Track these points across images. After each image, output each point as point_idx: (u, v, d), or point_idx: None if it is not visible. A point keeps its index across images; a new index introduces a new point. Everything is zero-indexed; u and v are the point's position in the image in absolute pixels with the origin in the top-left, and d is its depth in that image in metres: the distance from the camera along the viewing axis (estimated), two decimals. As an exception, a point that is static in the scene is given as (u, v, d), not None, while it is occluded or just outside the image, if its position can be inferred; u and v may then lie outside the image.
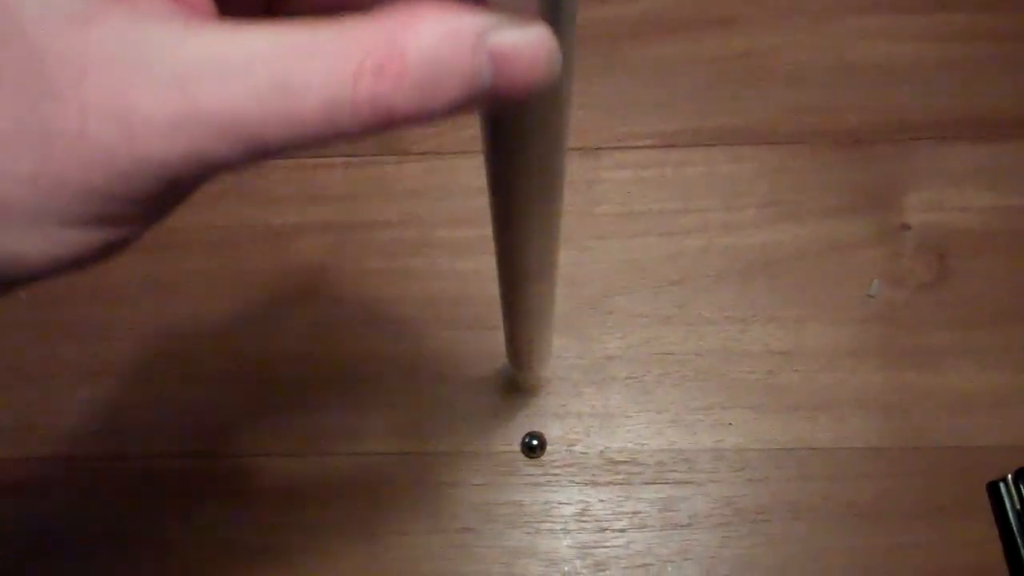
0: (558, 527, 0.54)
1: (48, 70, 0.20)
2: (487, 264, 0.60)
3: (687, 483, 0.54)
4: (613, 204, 0.62)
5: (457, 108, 0.21)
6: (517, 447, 0.55)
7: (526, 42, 0.21)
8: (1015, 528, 0.52)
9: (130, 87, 0.20)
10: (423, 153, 0.63)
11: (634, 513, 0.54)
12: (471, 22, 0.21)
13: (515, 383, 0.56)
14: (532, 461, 0.55)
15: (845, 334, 0.58)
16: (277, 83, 0.20)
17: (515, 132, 0.25)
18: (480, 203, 0.62)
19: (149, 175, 0.21)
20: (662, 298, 0.59)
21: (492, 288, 0.59)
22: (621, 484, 0.54)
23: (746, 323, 0.58)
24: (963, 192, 0.61)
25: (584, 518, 0.54)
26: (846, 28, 0.65)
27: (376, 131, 0.21)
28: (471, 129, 0.63)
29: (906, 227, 0.60)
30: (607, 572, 0.53)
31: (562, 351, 0.58)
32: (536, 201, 0.30)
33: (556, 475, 0.55)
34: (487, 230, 0.61)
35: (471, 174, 0.63)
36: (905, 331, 0.58)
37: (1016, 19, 0.64)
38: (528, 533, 0.54)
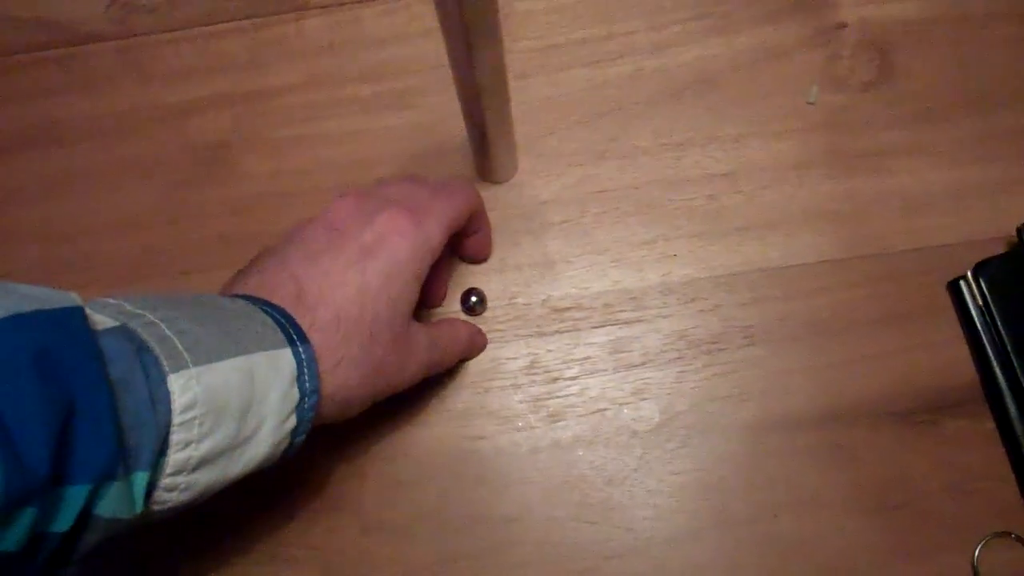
0: (508, 383, 0.51)
1: (402, 342, 0.44)
2: (405, 119, 0.57)
3: (636, 322, 0.52)
4: (531, 39, 0.58)
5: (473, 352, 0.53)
6: (458, 307, 0.53)
7: (483, 344, 0.53)
8: (978, 324, 0.50)
9: (414, 351, 0.45)
10: (324, 7, 0.59)
11: (584, 359, 0.51)
12: (472, 326, 0.52)
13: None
14: (474, 319, 0.53)
15: (788, 146, 0.55)
16: (442, 355, 0.49)
17: None
18: (388, 54, 0.58)
19: (410, 382, 0.46)
20: (594, 133, 0.56)
21: (409, 144, 0.56)
22: (569, 331, 0.52)
23: (683, 148, 0.55)
24: (900, -20, 0.57)
25: (534, 370, 0.51)
26: None
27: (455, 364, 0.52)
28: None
29: (843, 25, 0.57)
30: (563, 422, 0.50)
31: (493, 202, 0.55)
32: None
33: (500, 330, 0.52)
34: (399, 82, 0.58)
35: (376, 24, 0.58)
36: (850, 135, 0.55)
37: None
38: (477, 393, 0.51)
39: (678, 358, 0.51)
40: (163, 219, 0.55)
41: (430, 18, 0.58)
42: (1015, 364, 0.48)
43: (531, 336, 0.52)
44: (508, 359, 0.52)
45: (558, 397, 0.51)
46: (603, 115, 0.56)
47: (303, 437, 0.40)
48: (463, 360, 0.52)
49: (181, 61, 0.58)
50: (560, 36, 0.58)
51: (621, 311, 0.52)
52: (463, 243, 0.52)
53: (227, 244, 0.55)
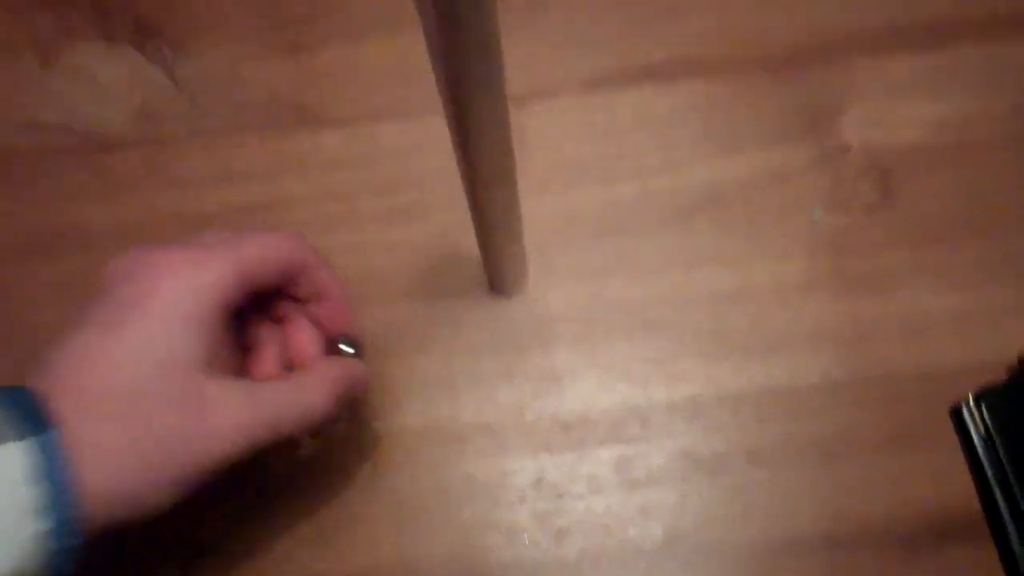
0: (514, 497, 0.52)
1: (187, 402, 0.38)
2: (416, 232, 0.58)
3: (642, 440, 0.53)
4: (545, 155, 0.59)
5: (343, 401, 0.45)
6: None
7: (361, 374, 0.47)
8: (980, 452, 0.50)
9: (217, 412, 0.39)
10: (341, 120, 0.60)
11: (591, 476, 0.52)
12: (345, 367, 0.45)
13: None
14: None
15: (793, 267, 0.56)
16: (277, 416, 0.41)
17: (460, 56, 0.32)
18: (404, 167, 0.60)
19: (229, 455, 0.39)
20: (603, 249, 0.57)
21: (421, 257, 0.57)
22: (575, 448, 0.53)
23: (691, 266, 0.56)
24: (902, 105, 0.59)
25: (540, 486, 0.52)
26: (769, -55, 0.62)
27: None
28: (386, 94, 0.61)
29: (847, 148, 0.58)
30: (569, 539, 0.51)
31: (503, 314, 0.56)
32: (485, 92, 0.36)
33: (507, 444, 0.53)
34: (411, 196, 0.59)
35: (391, 138, 0.60)
36: (854, 257, 0.56)
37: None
38: (484, 506, 0.52)
39: (682, 478, 0.52)
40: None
41: (442, 134, 0.59)
42: (1016, 492, 0.49)
43: (539, 450, 0.53)
44: (515, 472, 0.52)
45: (564, 513, 0.51)
46: (613, 232, 0.57)
47: (77, 541, 0.34)
48: (348, 399, 0.45)
49: (202, 168, 0.60)
50: (572, 152, 0.59)
51: (627, 428, 0.53)
52: (308, 311, 0.46)
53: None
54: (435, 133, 0.60)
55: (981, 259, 0.56)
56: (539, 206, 0.58)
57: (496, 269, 0.54)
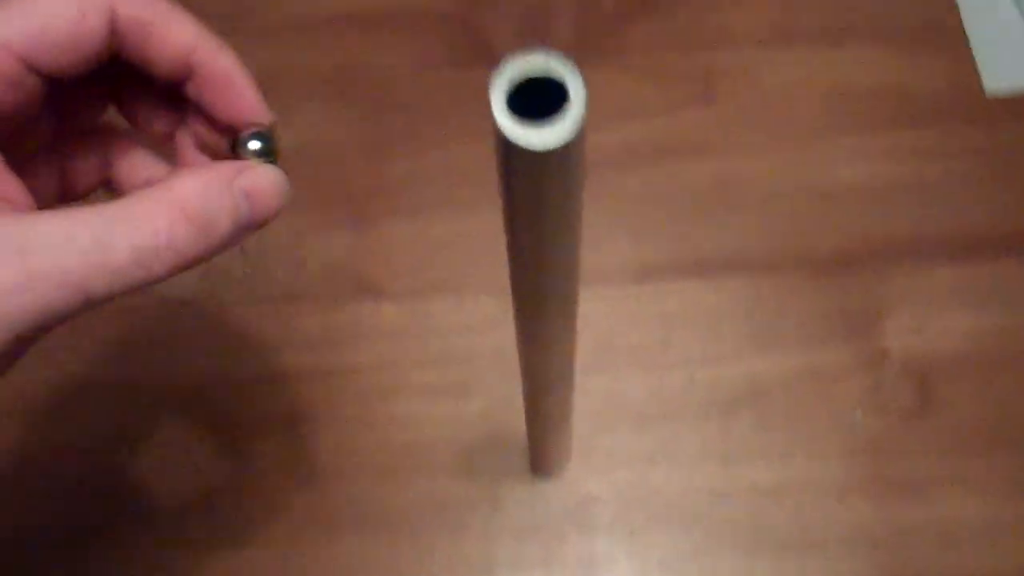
0: None
1: None
2: (464, 408, 0.59)
3: (677, 634, 0.53)
4: (593, 339, 0.61)
5: (231, 239, 0.30)
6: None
7: (265, 179, 0.31)
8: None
9: None
10: (398, 293, 0.63)
11: (624, 668, 0.52)
12: (224, 173, 0.30)
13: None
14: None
15: (831, 467, 0.57)
16: (97, 243, 0.26)
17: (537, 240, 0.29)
18: (456, 343, 0.61)
19: (4, 330, 0.26)
20: (646, 436, 0.58)
21: (467, 432, 0.59)
22: (610, 637, 0.53)
23: (731, 460, 0.57)
24: (943, 315, 0.61)
25: (573, 674, 0.52)
26: (818, 151, 0.64)
27: (180, 270, 0.29)
28: (448, 267, 0.63)
29: (886, 353, 0.60)
30: None
31: (544, 494, 0.57)
32: (556, 310, 0.35)
33: (543, 629, 0.54)
34: (462, 372, 0.61)
35: (446, 314, 0.62)
36: (891, 461, 0.57)
37: (987, 133, 0.65)
38: None
39: (717, 676, 0.52)
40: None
41: (494, 313, 0.61)
42: None
43: (573, 638, 0.53)
44: (549, 659, 0.53)
45: None
46: (656, 419, 0.59)
47: None
48: (254, 219, 0.31)
49: (260, 333, 0.62)
50: (620, 339, 0.61)
51: (662, 621, 0.53)
52: (189, 97, 0.33)
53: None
54: (487, 312, 0.62)
55: (1015, 471, 0.57)
56: (585, 389, 0.59)
57: (541, 452, 0.55)
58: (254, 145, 0.32)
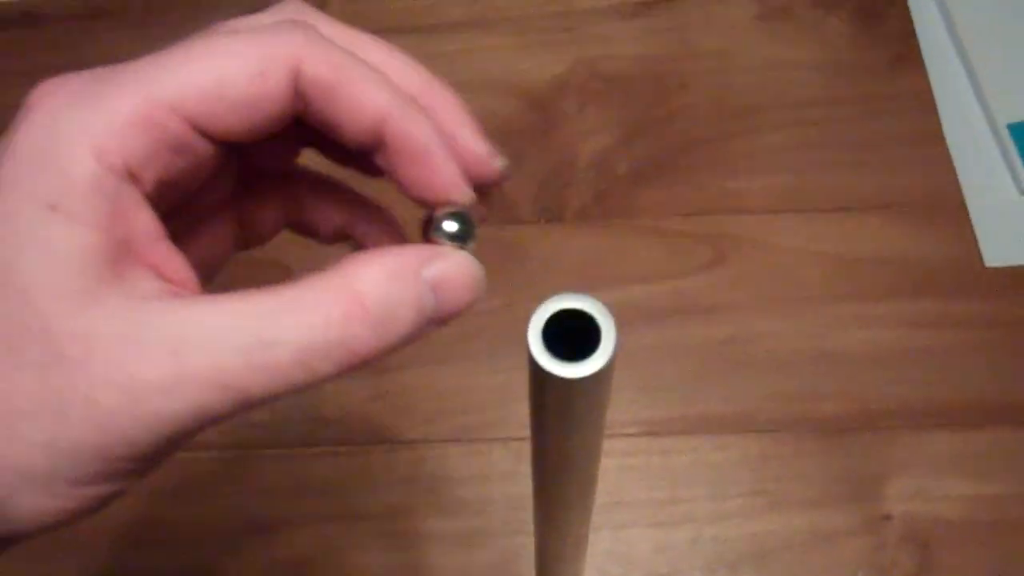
0: None
1: (59, 347, 0.23)
2: (475, 558, 0.61)
3: None
4: (601, 494, 0.62)
5: (411, 336, 0.25)
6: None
7: (456, 268, 0.26)
8: None
9: (130, 358, 0.23)
10: (412, 441, 0.64)
11: None
12: (409, 260, 0.25)
13: None
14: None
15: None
16: (257, 340, 0.23)
17: (561, 428, 0.29)
18: (469, 493, 0.63)
19: (151, 433, 0.23)
20: (651, 592, 0.60)
21: (481, 584, 0.60)
22: None
23: (735, 620, 0.58)
24: (944, 481, 0.62)
25: None
26: (823, 316, 0.67)
27: (348, 370, 0.24)
28: (461, 417, 0.65)
29: (888, 517, 0.61)
30: None
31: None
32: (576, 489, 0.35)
33: None
34: (476, 522, 0.62)
35: (460, 462, 0.63)
36: (894, 627, 0.58)
37: (987, 306, 0.67)
38: None
39: None
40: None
41: (506, 463, 0.63)
42: None
43: None
44: None
45: None
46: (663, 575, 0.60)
47: None
48: (437, 316, 0.26)
49: (276, 477, 0.63)
50: (628, 495, 0.62)
51: None
52: (375, 162, 0.28)
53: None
54: (500, 462, 0.64)
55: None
56: (593, 546, 0.60)
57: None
58: (450, 227, 0.27)
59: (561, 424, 0.28)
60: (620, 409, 0.65)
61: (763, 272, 0.69)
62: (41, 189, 0.23)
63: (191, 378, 0.23)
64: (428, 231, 0.27)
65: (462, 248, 0.27)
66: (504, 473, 0.64)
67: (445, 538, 0.61)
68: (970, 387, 0.65)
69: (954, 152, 0.72)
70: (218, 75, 0.25)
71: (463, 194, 0.27)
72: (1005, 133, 0.71)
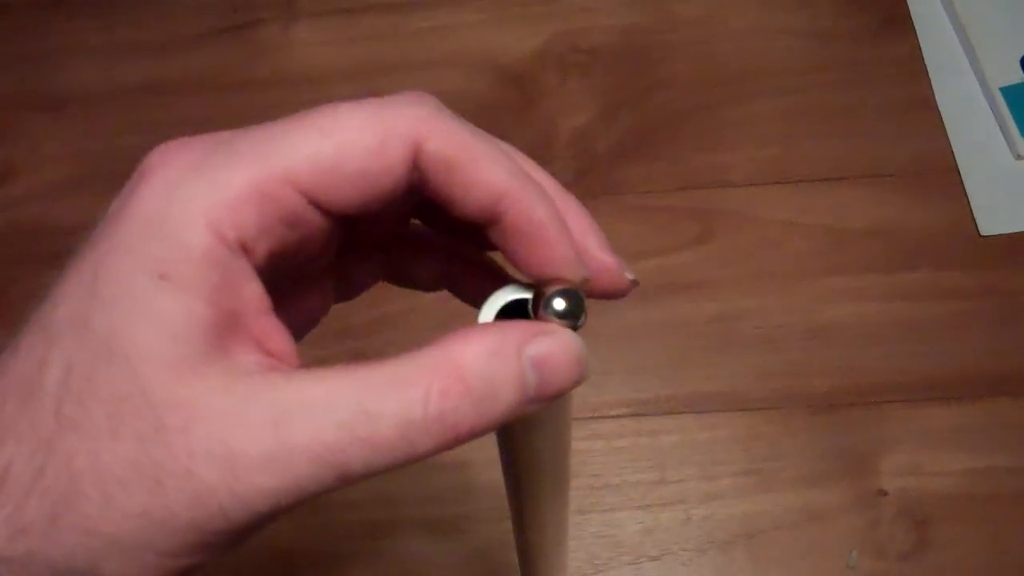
0: None
1: (160, 418, 0.22)
2: (460, 544, 0.60)
3: None
4: (588, 476, 0.61)
5: (512, 413, 0.24)
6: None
7: (560, 347, 0.25)
8: None
9: (231, 432, 0.22)
10: (395, 428, 0.63)
11: None
12: (512, 336, 0.24)
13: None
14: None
15: (828, 611, 0.57)
16: (359, 413, 0.23)
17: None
18: (450, 480, 0.62)
19: (248, 508, 0.22)
20: (642, 575, 0.58)
21: (463, 568, 0.59)
22: None
23: (727, 602, 0.57)
24: (938, 455, 0.61)
25: None
26: (813, 290, 0.65)
27: (447, 447, 0.24)
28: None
29: (883, 493, 0.60)
30: None
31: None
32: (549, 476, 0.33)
33: None
34: (458, 508, 0.61)
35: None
36: (890, 606, 0.57)
37: (983, 275, 0.65)
38: None
39: None
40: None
41: (493, 449, 0.62)
42: None
43: None
44: None
45: None
46: (652, 559, 0.59)
47: None
48: (546, 393, 0.25)
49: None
50: (615, 477, 0.61)
51: None
52: (489, 239, 0.27)
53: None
54: (483, 448, 0.62)
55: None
56: (581, 528, 0.59)
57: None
58: (559, 305, 0.26)
59: (522, 421, 0.26)
60: (606, 390, 0.64)
61: (751, 246, 0.67)
62: (154, 256, 0.23)
63: (292, 452, 0.22)
64: (537, 307, 0.26)
65: (571, 327, 0.26)
66: (488, 460, 0.62)
67: (428, 524, 0.60)
68: (966, 359, 0.63)
69: (946, 118, 0.70)
70: (336, 148, 0.24)
71: (576, 272, 0.26)
72: (999, 96, 0.69)
